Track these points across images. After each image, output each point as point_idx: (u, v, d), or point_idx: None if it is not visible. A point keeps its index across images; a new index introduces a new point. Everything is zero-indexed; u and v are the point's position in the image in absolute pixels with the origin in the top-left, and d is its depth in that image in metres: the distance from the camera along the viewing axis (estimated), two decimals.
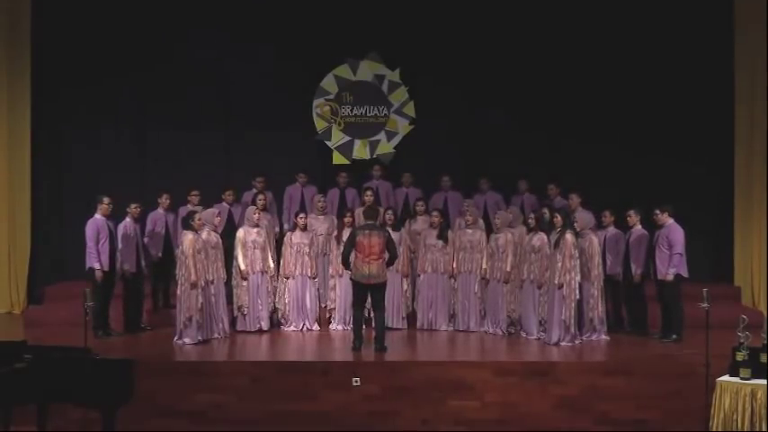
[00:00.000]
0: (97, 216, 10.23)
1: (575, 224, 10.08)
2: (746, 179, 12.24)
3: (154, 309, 11.18)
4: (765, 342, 7.89)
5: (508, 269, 10.39)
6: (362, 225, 9.81)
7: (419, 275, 10.99)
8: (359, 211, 10.99)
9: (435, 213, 11.04)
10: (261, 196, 11.29)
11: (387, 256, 9.54)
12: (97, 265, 10.12)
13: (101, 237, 10.15)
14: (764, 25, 11.83)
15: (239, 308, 10.59)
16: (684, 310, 9.85)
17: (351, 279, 9.71)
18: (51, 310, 11.40)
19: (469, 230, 10.80)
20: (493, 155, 12.71)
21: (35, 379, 6.97)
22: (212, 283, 10.07)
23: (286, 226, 11.81)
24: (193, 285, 9.75)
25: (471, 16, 12.80)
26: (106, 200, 10.28)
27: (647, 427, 8.45)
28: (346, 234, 10.55)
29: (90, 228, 10.16)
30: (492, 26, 12.80)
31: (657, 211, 10.04)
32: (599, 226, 10.56)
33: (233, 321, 10.62)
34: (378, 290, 9.55)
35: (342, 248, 9.95)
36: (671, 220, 10.00)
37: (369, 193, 11.58)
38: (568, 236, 9.65)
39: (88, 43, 12.71)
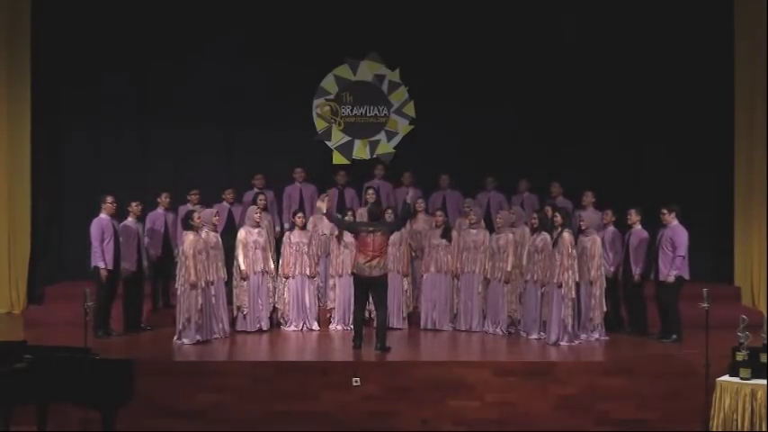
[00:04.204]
0: (102, 216, 10.24)
1: (581, 223, 10.11)
2: (746, 179, 12.24)
3: (154, 309, 11.18)
4: (765, 342, 7.90)
5: (509, 269, 10.40)
6: (366, 222, 9.81)
7: (422, 275, 10.99)
8: (362, 211, 11.03)
9: (439, 213, 11.04)
10: (262, 196, 11.30)
11: (387, 253, 9.61)
12: (102, 264, 10.13)
13: (105, 236, 10.16)
14: (764, 28, 11.83)
15: (239, 308, 10.59)
16: (681, 312, 9.83)
17: (352, 273, 9.76)
18: (51, 310, 11.39)
19: (473, 230, 10.80)
20: (493, 155, 12.70)
21: (35, 379, 6.96)
22: (212, 283, 10.07)
23: (286, 225, 11.81)
24: (193, 286, 9.75)
25: (471, 16, 12.80)
26: (110, 199, 10.29)
27: (647, 427, 8.45)
28: (345, 233, 10.58)
29: (95, 227, 10.17)
30: (492, 26, 12.80)
31: (665, 211, 10.00)
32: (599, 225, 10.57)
33: (233, 321, 10.62)
34: (378, 286, 9.56)
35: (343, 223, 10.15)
36: (676, 221, 9.97)
37: (371, 191, 11.59)
38: (566, 235, 9.66)
39: (88, 42, 12.71)
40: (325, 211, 9.98)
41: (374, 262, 9.44)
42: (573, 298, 9.63)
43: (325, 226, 11.26)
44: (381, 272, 9.50)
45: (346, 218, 10.72)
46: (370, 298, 9.79)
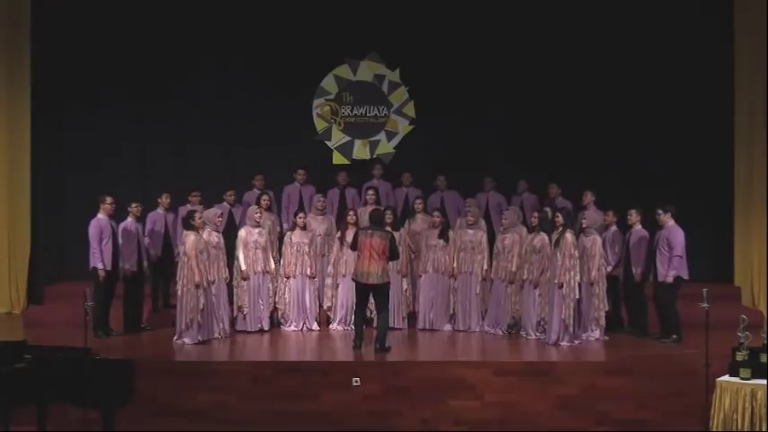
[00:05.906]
0: (100, 216, 10.24)
1: (583, 221, 10.11)
2: (746, 179, 12.24)
3: (154, 309, 11.18)
4: (765, 342, 7.90)
5: (514, 269, 10.39)
6: (366, 227, 9.82)
7: (420, 275, 10.99)
8: (363, 210, 11.08)
9: (436, 214, 11.03)
10: (265, 196, 11.29)
11: (386, 259, 9.55)
12: (100, 265, 10.13)
13: (104, 236, 10.16)
14: (764, 28, 11.83)
15: (239, 308, 10.59)
16: (679, 312, 9.83)
17: (352, 279, 9.76)
18: (51, 310, 11.40)
19: (470, 230, 10.79)
20: (493, 155, 12.70)
21: (35, 379, 6.98)
22: (213, 283, 10.07)
23: (285, 225, 11.81)
24: (197, 286, 9.74)
25: (471, 16, 12.80)
26: (109, 199, 10.29)
27: (647, 427, 8.45)
28: (350, 234, 10.61)
29: (93, 227, 10.17)
30: (492, 26, 12.79)
31: (660, 212, 10.00)
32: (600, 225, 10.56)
33: (233, 321, 10.62)
34: (380, 292, 9.54)
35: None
36: (672, 222, 9.97)
37: (371, 192, 11.59)
38: (568, 235, 9.66)
39: (88, 42, 12.71)
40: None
41: (371, 268, 9.40)
42: (575, 298, 9.62)
43: (319, 226, 11.27)
44: (380, 280, 9.45)
45: (348, 216, 10.83)
46: (372, 300, 9.80)
